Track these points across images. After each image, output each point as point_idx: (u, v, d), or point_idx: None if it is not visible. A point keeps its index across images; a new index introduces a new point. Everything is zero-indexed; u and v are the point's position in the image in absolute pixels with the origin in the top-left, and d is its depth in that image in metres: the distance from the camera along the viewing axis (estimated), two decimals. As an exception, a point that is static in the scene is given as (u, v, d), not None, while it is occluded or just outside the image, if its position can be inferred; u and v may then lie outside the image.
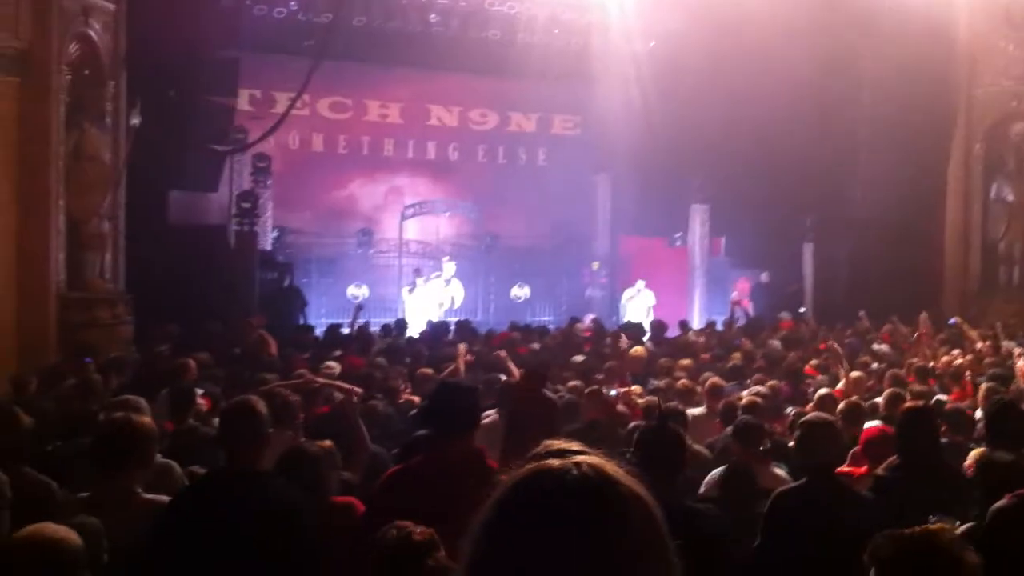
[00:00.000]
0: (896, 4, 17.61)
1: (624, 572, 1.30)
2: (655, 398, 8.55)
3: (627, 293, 20.84)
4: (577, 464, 1.35)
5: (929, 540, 2.58)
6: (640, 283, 20.76)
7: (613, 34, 19.62)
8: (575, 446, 1.41)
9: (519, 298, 21.85)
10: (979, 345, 12.30)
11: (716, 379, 9.50)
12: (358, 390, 7.12)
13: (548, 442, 1.44)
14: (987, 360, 11.24)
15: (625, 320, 18.29)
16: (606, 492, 1.33)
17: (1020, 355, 11.31)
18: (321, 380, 8.11)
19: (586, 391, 8.61)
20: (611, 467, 1.37)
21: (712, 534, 4.15)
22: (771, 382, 9.87)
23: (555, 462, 1.36)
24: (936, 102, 18.75)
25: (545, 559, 1.28)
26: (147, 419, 4.93)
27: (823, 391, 8.71)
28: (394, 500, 4.34)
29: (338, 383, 7.66)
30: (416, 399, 8.91)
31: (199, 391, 7.69)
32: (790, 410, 8.64)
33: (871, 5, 17.86)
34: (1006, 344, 12.90)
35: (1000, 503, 4.01)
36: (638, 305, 20.38)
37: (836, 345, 11.75)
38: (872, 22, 18.04)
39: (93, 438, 4.77)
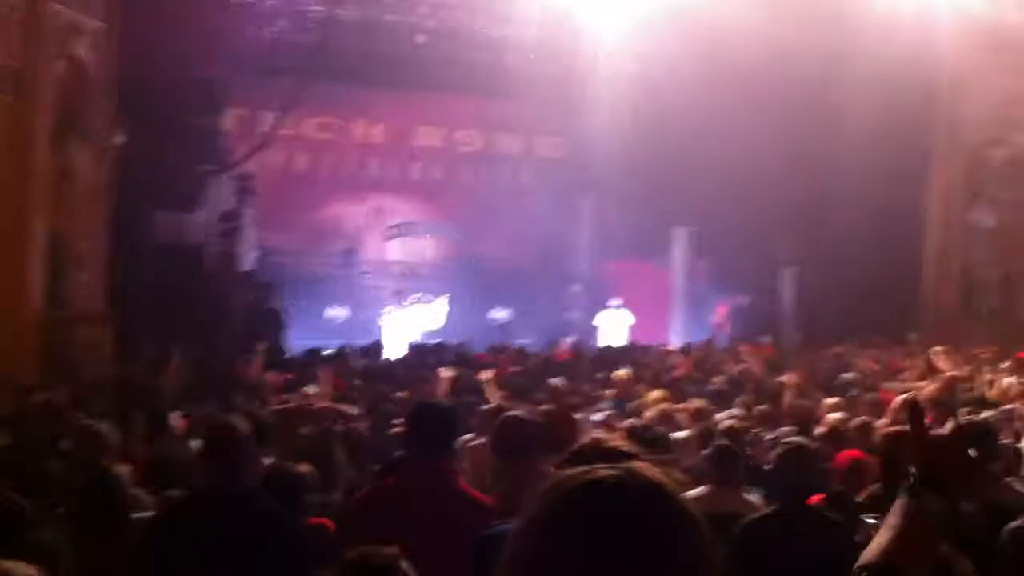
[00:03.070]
0: (878, 29, 17.79)
1: None
2: (636, 421, 8.59)
3: (601, 314, 20.85)
4: (631, 472, 1.34)
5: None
6: (615, 302, 20.75)
7: (599, 57, 19.79)
8: (624, 446, 1.41)
9: (498, 320, 21.84)
10: (951, 373, 12.39)
11: (700, 403, 9.55)
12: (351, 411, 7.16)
13: (596, 438, 1.43)
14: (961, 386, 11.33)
15: (600, 341, 18.35)
16: (660, 502, 1.32)
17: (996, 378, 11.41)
18: (324, 404, 8.14)
19: (559, 415, 8.62)
20: (659, 475, 1.36)
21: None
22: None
23: (605, 469, 1.34)
24: (917, 127, 18.92)
25: (597, 569, 1.27)
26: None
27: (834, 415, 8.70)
28: (363, 521, 4.38)
29: (337, 407, 7.68)
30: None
31: (177, 412, 7.72)
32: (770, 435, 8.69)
33: (854, 30, 18.04)
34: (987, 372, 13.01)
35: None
36: (613, 325, 20.42)
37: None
38: (854, 48, 18.21)
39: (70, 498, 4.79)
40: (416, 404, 5.74)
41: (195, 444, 6.20)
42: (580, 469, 1.35)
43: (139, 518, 4.54)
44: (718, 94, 17.99)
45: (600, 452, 1.39)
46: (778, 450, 5.42)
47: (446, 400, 8.22)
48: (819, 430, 7.86)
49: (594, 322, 20.80)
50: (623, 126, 19.21)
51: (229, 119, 19.00)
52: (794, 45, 17.54)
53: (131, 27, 13.30)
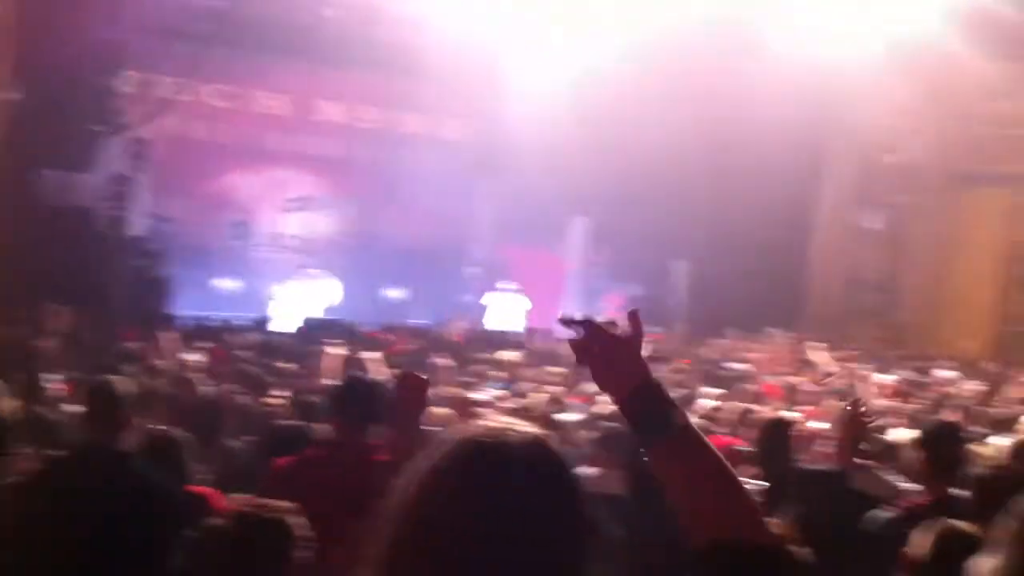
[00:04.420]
0: (780, 33, 18.22)
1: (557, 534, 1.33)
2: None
3: (490, 295, 21.04)
4: (515, 431, 1.39)
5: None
6: (506, 284, 20.90)
7: (510, 41, 19.83)
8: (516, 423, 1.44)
9: (395, 299, 21.80)
10: (831, 369, 12.81)
11: (592, 388, 9.68)
12: None
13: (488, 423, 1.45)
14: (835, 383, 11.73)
15: (487, 321, 18.48)
16: (547, 456, 1.37)
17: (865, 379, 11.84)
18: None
19: (450, 395, 8.69)
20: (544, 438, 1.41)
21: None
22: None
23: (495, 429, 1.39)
24: (813, 130, 19.44)
25: (492, 516, 1.31)
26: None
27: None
28: (286, 491, 4.38)
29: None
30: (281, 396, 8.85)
31: (60, 376, 7.55)
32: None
33: (755, 33, 18.44)
34: (860, 368, 13.48)
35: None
36: (504, 308, 20.64)
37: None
38: (757, 48, 18.59)
39: None
40: (347, 378, 5.79)
41: (75, 409, 6.08)
42: (471, 428, 1.40)
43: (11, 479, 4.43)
44: (622, 85, 18.21)
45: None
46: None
47: (336, 376, 8.20)
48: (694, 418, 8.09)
49: (482, 301, 20.93)
50: (526, 110, 19.29)
51: (126, 82, 18.49)
52: (698, 47, 17.85)
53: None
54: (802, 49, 17.96)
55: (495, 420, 1.44)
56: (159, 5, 17.98)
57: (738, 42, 18.52)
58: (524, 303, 20.79)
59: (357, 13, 20.15)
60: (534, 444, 1.38)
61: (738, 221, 19.60)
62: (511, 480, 1.33)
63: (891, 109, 19.46)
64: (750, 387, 10.77)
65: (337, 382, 6.06)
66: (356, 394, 4.86)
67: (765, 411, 8.70)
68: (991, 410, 9.69)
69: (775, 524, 3.55)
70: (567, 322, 1.80)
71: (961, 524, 3.56)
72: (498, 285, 20.98)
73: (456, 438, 1.39)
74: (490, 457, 1.35)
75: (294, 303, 19.20)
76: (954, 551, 3.16)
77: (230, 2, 16.44)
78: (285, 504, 3.23)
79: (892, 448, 6.81)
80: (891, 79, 18.86)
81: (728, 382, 11.72)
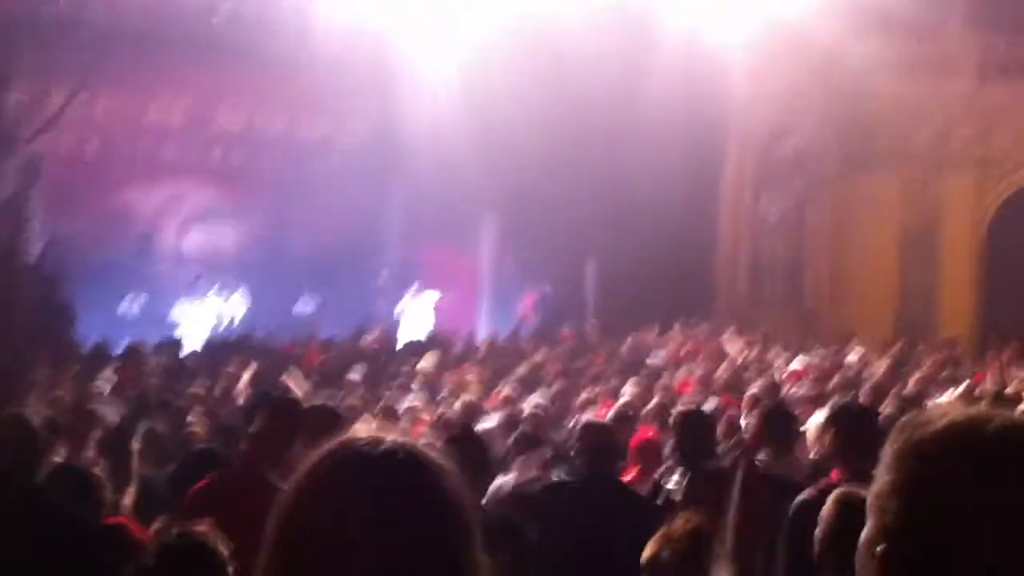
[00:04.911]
0: (679, 21, 18.46)
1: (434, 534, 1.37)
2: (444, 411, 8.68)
3: (403, 302, 21.02)
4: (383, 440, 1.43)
5: None
6: (415, 289, 20.91)
7: (410, 41, 19.72)
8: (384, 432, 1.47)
9: (304, 312, 21.45)
10: (739, 357, 13.01)
11: (508, 391, 9.73)
12: None
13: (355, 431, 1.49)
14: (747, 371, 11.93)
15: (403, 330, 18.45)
16: (418, 460, 1.41)
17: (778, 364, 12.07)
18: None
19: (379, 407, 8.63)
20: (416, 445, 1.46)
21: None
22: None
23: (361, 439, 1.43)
24: (714, 122, 19.71)
25: (363, 521, 1.34)
26: None
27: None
28: (202, 514, 4.28)
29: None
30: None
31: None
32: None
33: (656, 23, 18.65)
34: (772, 355, 13.75)
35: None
36: (417, 312, 20.61)
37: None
38: (656, 39, 18.79)
39: None
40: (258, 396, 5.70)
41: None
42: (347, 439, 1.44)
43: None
44: (525, 80, 18.27)
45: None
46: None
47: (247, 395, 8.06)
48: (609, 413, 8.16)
49: (397, 310, 20.83)
50: (432, 111, 19.20)
51: (14, 98, 17.89)
52: (602, 43, 17.98)
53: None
54: (702, 45, 18.22)
55: (365, 428, 1.48)
56: (48, 15, 17.51)
57: (642, 40, 18.70)
58: (431, 299, 20.77)
59: (251, 18, 19.83)
60: (395, 450, 1.42)
61: (642, 215, 19.78)
62: (367, 485, 1.38)
63: (783, 94, 19.79)
64: (666, 380, 10.88)
65: (248, 400, 5.98)
66: (274, 415, 4.75)
67: (682, 403, 8.80)
68: (902, 390, 9.96)
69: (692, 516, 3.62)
70: None
71: (858, 490, 3.60)
72: (409, 291, 20.91)
73: (323, 448, 1.45)
74: (347, 465, 1.40)
75: (198, 321, 18.83)
76: (856, 516, 3.18)
77: (114, 13, 15.93)
78: (205, 527, 3.21)
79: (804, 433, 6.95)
80: (778, 64, 19.22)
81: (643, 376, 11.82)
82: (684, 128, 18.86)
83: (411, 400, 9.45)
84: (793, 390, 10.23)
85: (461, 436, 4.83)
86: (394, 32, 19.92)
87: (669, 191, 18.96)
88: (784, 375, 11.74)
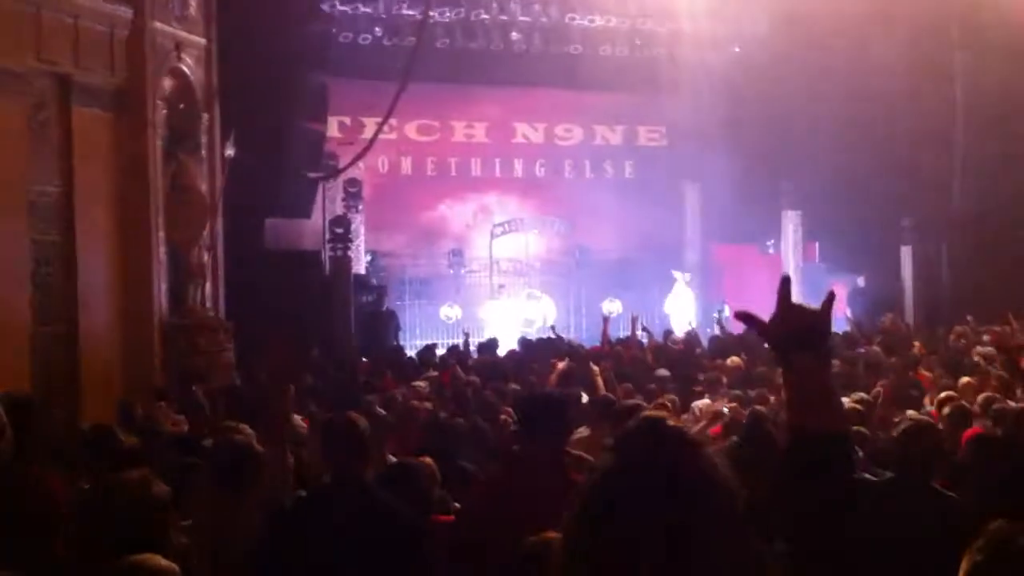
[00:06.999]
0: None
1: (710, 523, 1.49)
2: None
3: (669, 299, 20.83)
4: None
5: None
6: (682, 277, 20.63)
7: (695, 41, 19.57)
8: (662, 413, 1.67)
9: (611, 313, 21.70)
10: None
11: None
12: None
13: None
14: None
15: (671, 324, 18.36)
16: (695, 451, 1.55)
17: None
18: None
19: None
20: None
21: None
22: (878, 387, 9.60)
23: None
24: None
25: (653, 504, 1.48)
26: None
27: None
28: (481, 511, 4.38)
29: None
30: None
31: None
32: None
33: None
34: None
35: None
36: (681, 306, 20.41)
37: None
38: (969, 13, 17.63)
39: (213, 458, 4.97)
40: (529, 394, 5.73)
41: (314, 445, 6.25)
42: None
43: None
44: (820, 71, 17.83)
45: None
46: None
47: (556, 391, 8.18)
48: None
49: (665, 308, 20.78)
50: (724, 110, 18.92)
51: (333, 127, 19.36)
52: (903, 17, 17.10)
53: (233, 41, 13.61)
54: (1020, 12, 16.84)
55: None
56: (355, 49, 18.83)
57: (951, 11, 17.59)
58: (688, 296, 20.58)
59: (543, 33, 20.45)
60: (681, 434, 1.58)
61: (961, 198, 18.56)
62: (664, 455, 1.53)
63: None
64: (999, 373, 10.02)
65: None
66: (536, 409, 4.68)
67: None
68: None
69: None
70: (742, 317, 2.24)
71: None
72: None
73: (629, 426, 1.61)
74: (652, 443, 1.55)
75: (508, 324, 19.47)
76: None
77: (420, 39, 16.78)
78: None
79: None
80: None
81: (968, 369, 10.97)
82: (1002, 99, 17.51)
83: (714, 399, 9.29)
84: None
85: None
86: (684, 32, 19.84)
87: (990, 168, 17.77)
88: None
